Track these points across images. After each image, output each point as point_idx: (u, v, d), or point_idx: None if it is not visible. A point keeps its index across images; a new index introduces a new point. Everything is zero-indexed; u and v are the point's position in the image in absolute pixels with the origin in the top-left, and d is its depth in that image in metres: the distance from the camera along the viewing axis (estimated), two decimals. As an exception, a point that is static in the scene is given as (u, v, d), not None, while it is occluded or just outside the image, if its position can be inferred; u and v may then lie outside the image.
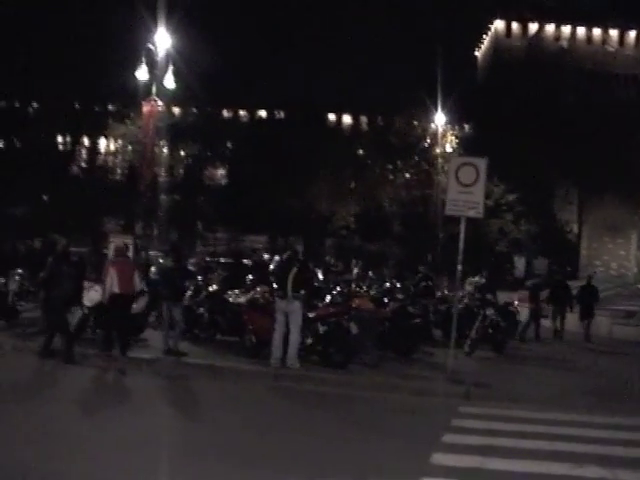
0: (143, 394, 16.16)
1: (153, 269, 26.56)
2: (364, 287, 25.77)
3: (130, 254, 26.37)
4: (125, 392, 16.29)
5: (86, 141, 61.50)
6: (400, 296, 24.84)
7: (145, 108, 33.48)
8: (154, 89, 31.95)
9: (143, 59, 31.43)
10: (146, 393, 16.31)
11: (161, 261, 26.33)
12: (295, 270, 19.03)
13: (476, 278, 28.98)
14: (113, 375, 17.84)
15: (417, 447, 12.55)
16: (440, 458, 11.95)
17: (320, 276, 26.96)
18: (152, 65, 31.46)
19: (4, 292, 22.24)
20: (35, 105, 55.37)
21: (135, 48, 32.89)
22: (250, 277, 23.79)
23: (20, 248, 27.43)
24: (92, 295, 20.32)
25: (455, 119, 61.07)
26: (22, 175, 45.21)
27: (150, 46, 31.46)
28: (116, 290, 19.43)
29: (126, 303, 19.75)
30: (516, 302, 28.83)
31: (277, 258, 22.97)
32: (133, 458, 11.10)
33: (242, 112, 73.60)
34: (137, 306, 21.56)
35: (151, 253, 31.67)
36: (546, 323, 30.91)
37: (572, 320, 31.59)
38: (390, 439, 13.17)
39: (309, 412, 15.24)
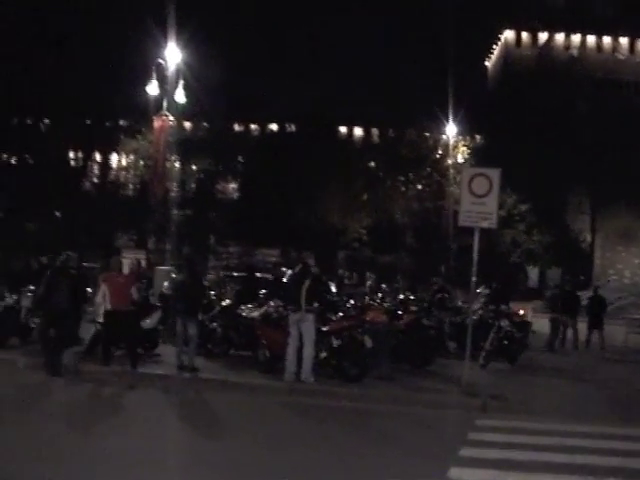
0: (155, 410, 16.07)
1: (166, 284, 26.52)
2: (377, 299, 25.63)
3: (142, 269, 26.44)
4: (137, 408, 16.15)
5: (98, 157, 61.62)
6: (414, 308, 24.74)
7: (156, 123, 33.52)
8: (165, 104, 32.01)
9: (154, 74, 31.52)
10: (158, 409, 16.24)
11: (174, 276, 26.26)
12: (308, 283, 18.96)
13: (480, 289, 28.91)
14: (123, 391, 17.75)
15: (434, 461, 12.42)
16: (458, 472, 11.82)
17: (333, 289, 26.86)
18: (163, 80, 31.56)
19: (17, 309, 22.21)
20: (46, 121, 55.49)
21: (146, 63, 32.98)
22: (263, 291, 23.68)
23: (33, 265, 27.38)
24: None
25: (466, 130, 60.99)
26: (34, 191, 45.27)
27: (160, 61, 31.54)
28: (108, 307, 19.46)
29: (123, 318, 19.68)
30: (521, 312, 28.45)
31: (289, 272, 22.83)
32: (144, 474, 11.06)
33: (253, 126, 73.67)
34: (150, 321, 21.56)
35: (163, 268, 31.57)
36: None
37: (584, 330, 31.47)
38: (406, 453, 13.04)
39: (323, 427, 15.11)
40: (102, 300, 19.62)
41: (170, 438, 13.56)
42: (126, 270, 26.04)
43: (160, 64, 31.51)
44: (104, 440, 12.94)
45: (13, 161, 54.05)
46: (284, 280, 22.68)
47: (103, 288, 19.64)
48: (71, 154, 58.01)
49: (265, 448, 13.00)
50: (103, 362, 19.54)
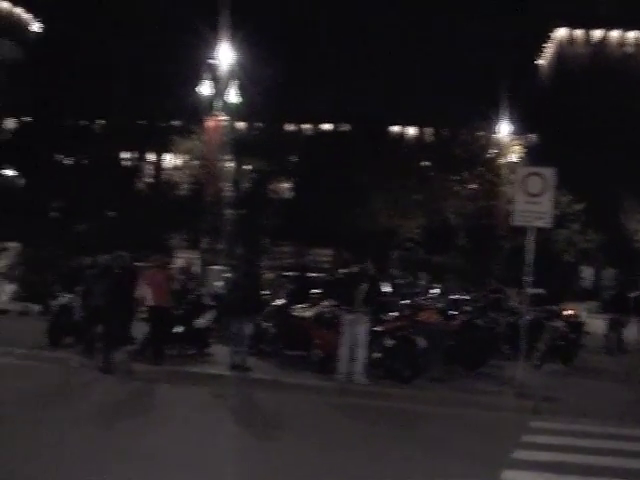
0: (205, 410, 16.09)
1: (219, 283, 26.61)
2: (431, 300, 25.49)
3: (195, 269, 26.58)
4: (186, 408, 16.11)
5: (151, 157, 62.05)
6: (468, 309, 24.57)
7: (209, 123, 33.66)
8: (218, 104, 32.14)
9: (206, 74, 31.67)
10: (209, 408, 16.26)
11: (228, 275, 26.34)
12: (365, 285, 18.93)
13: (529, 289, 28.53)
14: (173, 390, 17.85)
15: (487, 464, 12.30)
16: (512, 475, 11.72)
17: (387, 289, 26.77)
18: (215, 80, 31.69)
19: (71, 308, 22.40)
20: (100, 122, 56.09)
21: (198, 64, 33.14)
22: (315, 291, 23.62)
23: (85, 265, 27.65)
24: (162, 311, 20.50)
25: (520, 129, 60.47)
26: (88, 192, 45.66)
27: (213, 61, 31.67)
28: (151, 303, 19.70)
29: (165, 314, 20.01)
30: (569, 311, 27.87)
31: (342, 271, 22.75)
32: (192, 474, 11.11)
33: (306, 126, 73.68)
34: (202, 321, 21.64)
35: (216, 268, 31.70)
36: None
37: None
38: (458, 456, 12.94)
39: (374, 428, 15.05)
40: (140, 296, 19.88)
41: (219, 438, 13.55)
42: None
43: (213, 64, 31.66)
44: (147, 439, 13.01)
45: (67, 162, 54.58)
46: (338, 280, 22.67)
47: (144, 285, 19.90)
48: (125, 154, 58.51)
49: (314, 449, 12.98)
50: (154, 361, 19.70)
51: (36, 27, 74.43)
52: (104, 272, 20.18)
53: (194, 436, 13.33)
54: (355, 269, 19.93)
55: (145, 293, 19.87)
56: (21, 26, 75.11)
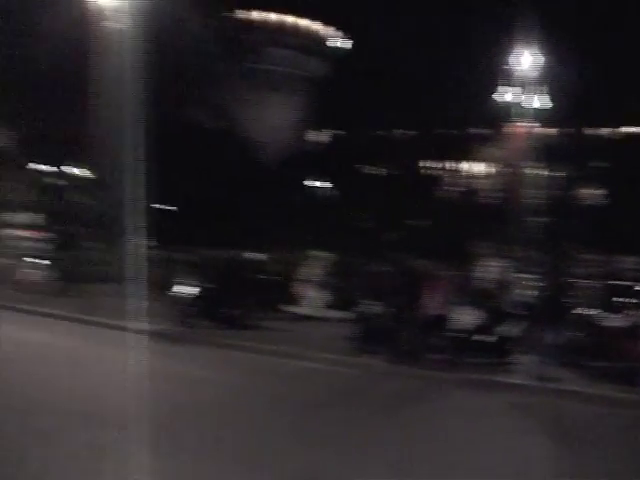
0: (504, 419, 15.95)
1: (525, 292, 26.29)
2: None
3: (501, 277, 26.47)
4: (487, 415, 16.07)
5: (455, 165, 62.34)
6: None
7: (512, 129, 33.48)
8: (521, 110, 31.87)
9: (507, 80, 31.52)
10: (508, 418, 16.11)
11: (535, 284, 25.97)
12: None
13: None
14: (474, 397, 17.82)
15: None
16: None
17: None
18: (517, 85, 31.50)
19: (376, 315, 22.66)
20: (406, 132, 57.11)
21: (499, 70, 33.01)
22: (627, 300, 22.84)
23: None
24: (462, 318, 20.58)
25: None
26: (396, 201, 46.61)
27: (514, 67, 31.46)
28: (433, 311, 19.78)
29: (442, 322, 20.18)
30: None
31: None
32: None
33: (616, 129, 71.75)
34: (507, 329, 21.45)
35: (524, 276, 31.38)
36: None
37: None
38: None
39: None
40: (423, 303, 20.14)
41: (516, 448, 13.40)
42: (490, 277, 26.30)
43: (513, 70, 31.46)
44: (443, 445, 13.13)
45: (376, 172, 55.93)
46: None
47: (426, 293, 20.12)
48: (429, 164, 59.23)
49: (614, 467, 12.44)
50: (450, 369, 19.75)
51: (339, 42, 76.47)
52: (396, 277, 20.61)
53: (489, 444, 13.33)
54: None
55: (428, 301, 20.06)
56: (321, 41, 77.35)
